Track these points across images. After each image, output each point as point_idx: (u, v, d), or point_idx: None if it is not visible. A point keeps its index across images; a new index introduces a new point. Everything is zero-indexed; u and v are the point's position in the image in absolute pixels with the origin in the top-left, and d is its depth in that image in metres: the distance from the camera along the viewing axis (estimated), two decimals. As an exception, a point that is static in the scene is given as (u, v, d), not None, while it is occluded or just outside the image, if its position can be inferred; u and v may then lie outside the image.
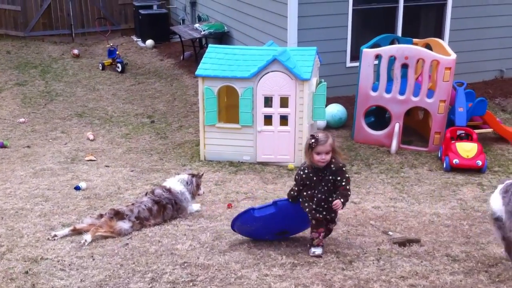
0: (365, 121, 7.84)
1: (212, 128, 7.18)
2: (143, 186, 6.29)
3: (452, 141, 7.05)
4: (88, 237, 4.70)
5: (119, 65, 11.63)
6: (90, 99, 10.13)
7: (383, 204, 5.71)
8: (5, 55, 12.81)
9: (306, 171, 4.33)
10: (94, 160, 7.23)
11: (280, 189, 6.19)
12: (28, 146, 7.79)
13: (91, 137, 8.15)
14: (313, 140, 4.19)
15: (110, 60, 11.89)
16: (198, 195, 5.58)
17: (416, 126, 8.09)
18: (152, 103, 9.88)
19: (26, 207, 5.56)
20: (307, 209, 4.34)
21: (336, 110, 8.36)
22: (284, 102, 6.96)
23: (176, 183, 5.40)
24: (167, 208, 5.22)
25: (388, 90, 7.55)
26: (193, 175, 5.56)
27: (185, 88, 10.52)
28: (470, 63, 9.37)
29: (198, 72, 7.06)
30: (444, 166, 6.88)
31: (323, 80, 7.33)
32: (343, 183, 4.26)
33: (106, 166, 7.02)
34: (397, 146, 7.52)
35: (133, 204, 5.18)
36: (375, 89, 7.65)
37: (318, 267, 4.11)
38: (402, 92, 7.48)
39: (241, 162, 7.14)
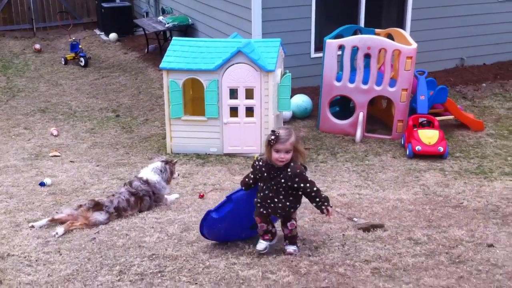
0: (330, 111, 7.95)
1: (178, 121, 7.18)
2: (110, 180, 6.26)
3: (415, 129, 7.21)
4: (60, 230, 4.72)
5: (82, 59, 11.47)
6: (53, 94, 9.98)
7: (348, 192, 5.82)
8: (-36, 51, 12.51)
9: (260, 163, 4.08)
10: (58, 156, 7.15)
11: (247, 180, 6.22)
12: (-10, 143, 7.66)
13: (55, 132, 8.04)
14: (273, 137, 3.90)
15: (73, 55, 11.72)
16: (173, 178, 5.67)
17: (379, 115, 8.24)
18: (116, 97, 9.79)
19: (-11, 204, 5.48)
20: (254, 200, 4.17)
21: (301, 100, 8.44)
22: (249, 94, 7.00)
23: (150, 173, 5.48)
24: (144, 200, 5.32)
25: (351, 80, 7.67)
26: (166, 162, 5.65)
27: (150, 82, 10.45)
28: (432, 52, 9.58)
29: (162, 65, 7.03)
30: (407, 153, 7.04)
31: (288, 71, 7.40)
32: (314, 189, 4.00)
33: (71, 161, 6.95)
34: (362, 135, 7.65)
35: (113, 195, 5.26)
36: (339, 79, 7.76)
37: (285, 254, 4.18)
38: (365, 81, 7.60)
39: (208, 154, 7.16)
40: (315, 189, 4.01)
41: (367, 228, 4.66)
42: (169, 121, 7.20)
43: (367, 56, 7.57)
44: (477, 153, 7.09)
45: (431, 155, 6.94)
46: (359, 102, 7.66)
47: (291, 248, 4.24)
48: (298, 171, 3.96)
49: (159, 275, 3.89)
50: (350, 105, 8.13)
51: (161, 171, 5.54)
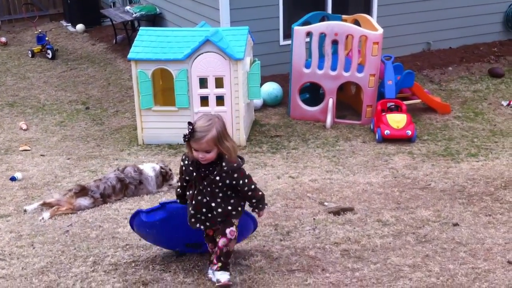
0: (300, 98, 8.03)
1: (149, 111, 7.16)
2: (81, 173, 6.24)
3: (383, 113, 7.35)
4: (46, 215, 4.93)
5: (49, 51, 11.30)
6: (21, 87, 9.83)
7: (319, 177, 5.91)
8: None
9: (186, 162, 3.40)
10: (28, 150, 7.08)
11: (220, 168, 6.27)
12: (-42, 139, 7.53)
13: (24, 126, 7.94)
14: (186, 132, 3.21)
15: (40, 47, 11.53)
16: (170, 185, 5.72)
17: (349, 101, 8.35)
18: (85, 89, 9.70)
19: (-41, 201, 5.42)
20: (187, 216, 3.46)
21: (271, 88, 8.50)
22: (219, 83, 7.02)
23: (149, 168, 5.61)
24: (129, 188, 5.45)
25: (320, 67, 7.75)
26: (163, 168, 5.70)
27: (120, 73, 10.38)
28: (398, 37, 9.70)
29: (130, 55, 7.00)
30: (377, 137, 7.17)
31: (257, 59, 7.44)
32: (252, 187, 3.38)
33: (42, 155, 6.89)
34: (332, 121, 7.75)
35: (100, 179, 5.40)
36: (308, 66, 7.83)
37: (257, 240, 4.26)
38: (333, 68, 7.69)
39: (180, 144, 7.17)
40: (253, 187, 3.40)
41: (337, 212, 4.76)
42: (139, 112, 7.18)
43: (335, 43, 7.66)
44: (445, 136, 7.27)
45: (399, 139, 7.08)
46: (329, 88, 7.75)
47: (224, 277, 3.41)
48: (235, 165, 3.31)
49: (133, 264, 3.92)
50: (320, 92, 8.22)
51: (157, 175, 5.61)
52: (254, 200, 3.47)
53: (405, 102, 7.69)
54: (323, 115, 7.82)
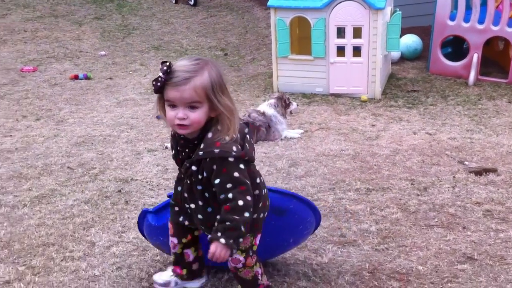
0: (441, 52, 7.65)
1: (285, 60, 7.25)
2: (220, 116, 6.53)
3: (534, 72, 6.81)
4: None
5: (191, -2, 11.77)
6: (165, 32, 10.38)
7: (459, 136, 5.67)
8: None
9: (172, 133, 2.41)
10: (171, 92, 7.52)
11: (353, 120, 6.25)
12: (110, 78, 8.16)
13: (168, 69, 8.41)
14: (160, 74, 2.17)
15: (183, -6, 12.04)
16: (291, 113, 5.99)
17: (495, 57, 7.82)
18: (224, 36, 10.01)
19: (113, 134, 5.94)
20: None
21: (411, 40, 8.18)
22: (357, 33, 6.88)
23: (266, 107, 5.83)
24: (260, 130, 5.66)
25: (466, 19, 7.29)
26: (278, 98, 5.93)
27: (257, 21, 10.55)
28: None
29: (270, 3, 7.06)
30: (524, 98, 6.69)
31: (398, 9, 7.16)
32: (229, 196, 2.18)
33: (184, 97, 7.29)
34: (475, 78, 7.32)
35: None
36: (452, 18, 7.41)
37: (393, 192, 4.23)
38: (481, 21, 7.19)
39: (314, 93, 7.21)
40: (240, 203, 2.18)
41: (479, 172, 4.56)
42: (275, 60, 7.29)
43: (485, -7, 7.14)
44: None
45: (551, 101, 6.54)
46: (474, 43, 7.29)
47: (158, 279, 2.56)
48: (217, 150, 2.16)
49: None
50: (464, 46, 7.77)
51: (275, 106, 5.83)
52: (218, 217, 2.24)
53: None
54: (466, 71, 7.40)
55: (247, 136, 2.31)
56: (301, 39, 7.47)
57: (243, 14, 11.05)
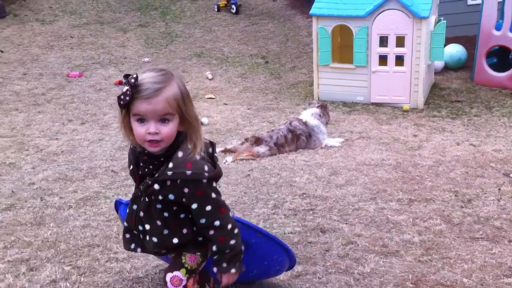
0: (486, 62, 7.52)
1: (326, 68, 7.25)
2: (260, 123, 6.57)
3: None
4: (229, 158, 5.47)
5: (233, 6, 11.87)
6: (207, 40, 10.52)
7: (504, 148, 5.55)
8: (127, -2, 13.50)
9: (131, 146, 2.24)
10: (213, 98, 7.61)
11: (395, 130, 6.19)
12: (153, 84, 8.30)
13: (210, 76, 8.53)
14: (126, 87, 1.99)
15: (225, 2, 12.16)
16: (327, 122, 6.05)
17: (543, 68, 7.62)
18: (265, 44, 10.07)
19: (155, 139, 6.04)
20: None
21: (455, 50, 8.06)
22: (400, 42, 6.83)
23: (310, 117, 5.88)
24: (300, 139, 5.74)
25: (513, 29, 7.16)
26: (321, 106, 5.98)
27: (298, 29, 10.58)
28: None
29: (312, 11, 7.08)
30: None
31: (442, 18, 7.08)
32: (216, 223, 2.13)
33: (225, 103, 7.37)
34: (521, 89, 7.17)
35: (272, 130, 5.80)
36: (498, 28, 7.27)
37: (436, 204, 4.17)
38: (529, 31, 7.05)
39: (355, 102, 7.18)
40: (218, 223, 2.14)
41: (525, 185, 4.46)
42: (317, 68, 7.30)
43: (535, 3, 6.99)
44: None
45: None
46: (521, 53, 7.14)
47: None
48: (189, 172, 2.05)
49: (310, 212, 4.09)
50: (510, 57, 7.61)
51: (319, 115, 5.88)
52: (215, 248, 2.18)
53: None
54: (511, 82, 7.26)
55: (215, 154, 2.30)
56: (343, 47, 7.46)
57: (284, 22, 11.10)
